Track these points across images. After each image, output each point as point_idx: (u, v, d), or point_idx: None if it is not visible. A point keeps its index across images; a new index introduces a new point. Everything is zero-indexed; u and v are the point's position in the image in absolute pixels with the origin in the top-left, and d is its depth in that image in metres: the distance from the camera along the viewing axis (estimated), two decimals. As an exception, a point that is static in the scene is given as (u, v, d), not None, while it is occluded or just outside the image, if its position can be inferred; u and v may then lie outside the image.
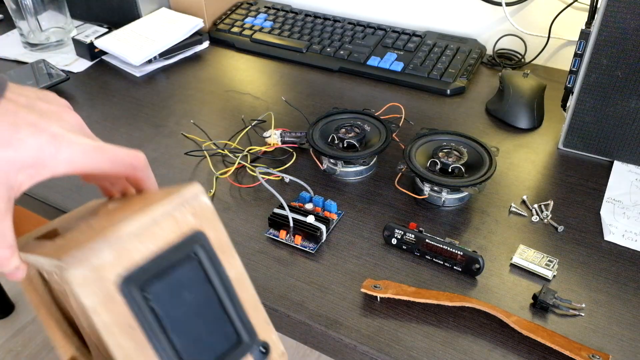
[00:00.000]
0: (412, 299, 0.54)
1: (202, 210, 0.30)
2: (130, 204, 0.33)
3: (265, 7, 1.13)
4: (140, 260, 0.28)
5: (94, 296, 0.26)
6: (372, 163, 0.73)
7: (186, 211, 0.30)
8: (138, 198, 0.35)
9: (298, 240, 0.62)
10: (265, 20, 1.09)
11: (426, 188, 0.67)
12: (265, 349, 0.32)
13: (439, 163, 0.67)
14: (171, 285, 0.28)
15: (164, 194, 0.31)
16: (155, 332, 0.28)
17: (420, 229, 0.61)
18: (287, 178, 0.71)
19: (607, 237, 0.63)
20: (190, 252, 0.29)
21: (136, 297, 0.27)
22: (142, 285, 0.27)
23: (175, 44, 0.99)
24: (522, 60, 0.98)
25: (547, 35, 0.93)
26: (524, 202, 0.68)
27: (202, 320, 0.30)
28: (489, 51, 1.01)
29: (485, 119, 0.84)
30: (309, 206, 0.65)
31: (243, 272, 0.32)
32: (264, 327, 0.33)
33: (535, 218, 0.65)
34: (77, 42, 1.00)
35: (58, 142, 0.33)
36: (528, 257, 0.59)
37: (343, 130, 0.72)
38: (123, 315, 0.27)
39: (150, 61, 0.98)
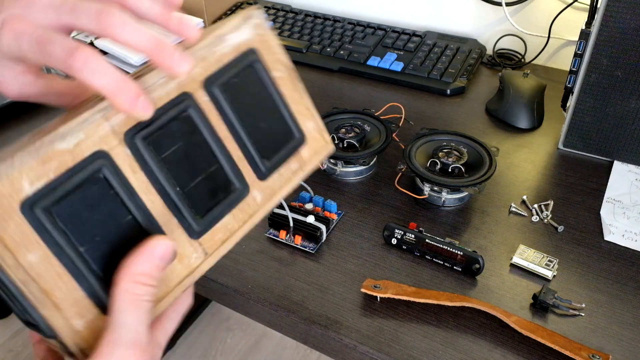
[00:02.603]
0: (412, 299, 0.54)
1: None
2: None
3: (265, 7, 1.13)
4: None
5: None
6: (372, 163, 0.73)
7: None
8: None
9: (298, 240, 0.62)
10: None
11: (426, 188, 0.67)
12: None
13: (439, 163, 0.67)
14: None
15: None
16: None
17: (420, 229, 0.61)
18: (287, 178, 0.71)
19: (607, 237, 0.63)
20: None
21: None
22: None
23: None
24: (522, 60, 0.98)
25: (547, 35, 0.93)
26: (524, 202, 0.68)
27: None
28: (489, 51, 1.01)
29: (485, 119, 0.84)
30: (309, 206, 0.65)
31: None
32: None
33: (535, 218, 0.65)
34: (77, 42, 1.00)
35: None
36: (528, 257, 0.59)
37: (343, 130, 0.72)
38: None
39: (150, 61, 0.98)
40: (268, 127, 0.37)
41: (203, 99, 0.34)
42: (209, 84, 0.34)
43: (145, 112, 0.30)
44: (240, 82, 0.35)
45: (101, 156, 0.30)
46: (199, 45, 0.34)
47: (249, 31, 0.36)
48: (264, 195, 0.37)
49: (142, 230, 0.31)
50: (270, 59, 0.37)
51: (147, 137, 0.31)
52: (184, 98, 0.33)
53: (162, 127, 0.32)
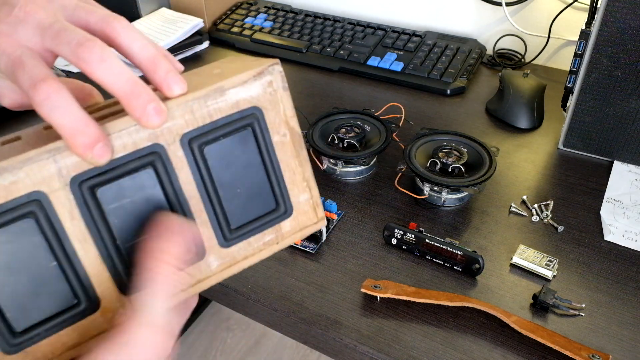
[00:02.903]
0: (412, 299, 0.54)
1: None
2: None
3: (265, 7, 1.13)
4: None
5: None
6: (372, 163, 0.73)
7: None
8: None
9: (298, 240, 0.62)
10: (265, 20, 1.09)
11: (426, 188, 0.67)
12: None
13: (439, 163, 0.67)
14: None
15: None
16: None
17: (420, 229, 0.61)
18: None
19: (607, 237, 0.63)
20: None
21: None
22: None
23: (175, 44, 0.99)
24: (522, 60, 0.98)
25: (547, 35, 0.93)
26: (524, 202, 0.68)
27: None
28: (489, 51, 1.01)
29: (485, 119, 0.84)
30: (309, 206, 0.65)
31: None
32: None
33: (535, 218, 0.65)
34: (77, 42, 1.00)
35: None
36: (528, 257, 0.59)
37: (343, 130, 0.72)
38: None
39: (150, 61, 0.98)
40: (248, 194, 0.34)
41: (177, 154, 0.31)
42: (188, 139, 0.31)
43: (99, 159, 0.28)
44: (228, 142, 0.32)
45: (37, 197, 0.28)
46: (192, 94, 0.31)
47: (258, 88, 0.33)
48: (222, 262, 0.34)
49: (65, 277, 0.30)
50: (275, 121, 0.34)
51: (97, 185, 0.29)
52: (154, 150, 0.30)
53: (117, 178, 0.30)
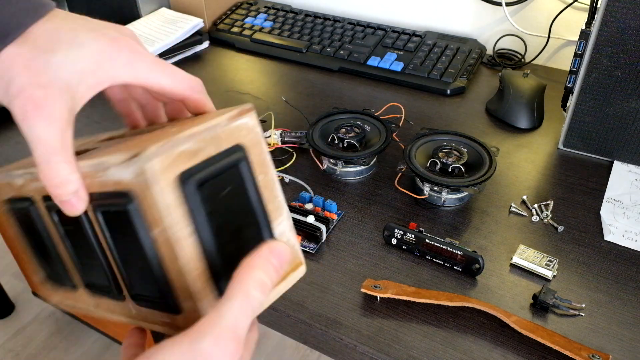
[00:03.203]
0: (412, 299, 0.54)
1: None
2: (181, 123, 0.35)
3: (265, 7, 1.13)
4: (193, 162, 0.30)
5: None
6: (372, 163, 0.73)
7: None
8: (190, 119, 0.36)
9: (298, 240, 0.62)
10: (265, 20, 1.09)
11: (426, 188, 0.67)
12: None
13: (439, 163, 0.67)
14: (214, 187, 0.31)
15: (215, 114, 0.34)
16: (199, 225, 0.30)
17: (420, 229, 0.61)
18: (287, 178, 0.71)
19: (607, 237, 0.63)
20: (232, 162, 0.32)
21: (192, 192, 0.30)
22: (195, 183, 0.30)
23: (175, 44, 0.99)
24: (522, 60, 0.98)
25: (547, 35, 0.93)
26: (524, 202, 0.68)
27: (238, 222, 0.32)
28: (489, 51, 1.01)
29: (485, 119, 0.84)
30: (309, 206, 0.65)
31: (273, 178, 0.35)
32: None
33: (535, 218, 0.65)
34: (77, 42, 1.00)
35: (118, 45, 0.32)
36: (528, 257, 0.59)
37: (343, 130, 0.72)
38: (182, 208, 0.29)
39: (150, 61, 0.98)
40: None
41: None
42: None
43: (72, 211, 0.31)
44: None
45: (29, 201, 0.37)
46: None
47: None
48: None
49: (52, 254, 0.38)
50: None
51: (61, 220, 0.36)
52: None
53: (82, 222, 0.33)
